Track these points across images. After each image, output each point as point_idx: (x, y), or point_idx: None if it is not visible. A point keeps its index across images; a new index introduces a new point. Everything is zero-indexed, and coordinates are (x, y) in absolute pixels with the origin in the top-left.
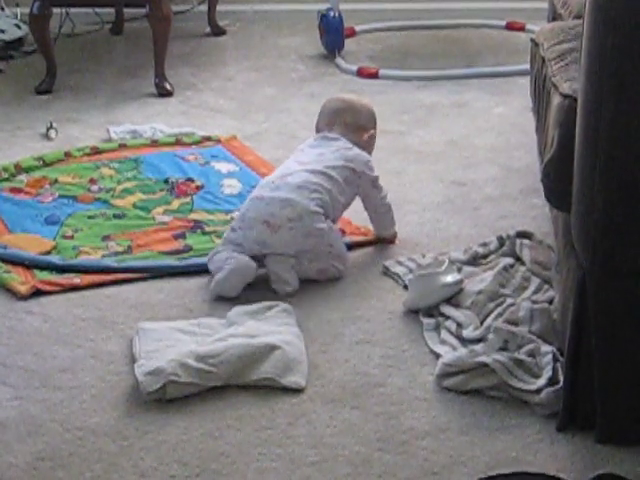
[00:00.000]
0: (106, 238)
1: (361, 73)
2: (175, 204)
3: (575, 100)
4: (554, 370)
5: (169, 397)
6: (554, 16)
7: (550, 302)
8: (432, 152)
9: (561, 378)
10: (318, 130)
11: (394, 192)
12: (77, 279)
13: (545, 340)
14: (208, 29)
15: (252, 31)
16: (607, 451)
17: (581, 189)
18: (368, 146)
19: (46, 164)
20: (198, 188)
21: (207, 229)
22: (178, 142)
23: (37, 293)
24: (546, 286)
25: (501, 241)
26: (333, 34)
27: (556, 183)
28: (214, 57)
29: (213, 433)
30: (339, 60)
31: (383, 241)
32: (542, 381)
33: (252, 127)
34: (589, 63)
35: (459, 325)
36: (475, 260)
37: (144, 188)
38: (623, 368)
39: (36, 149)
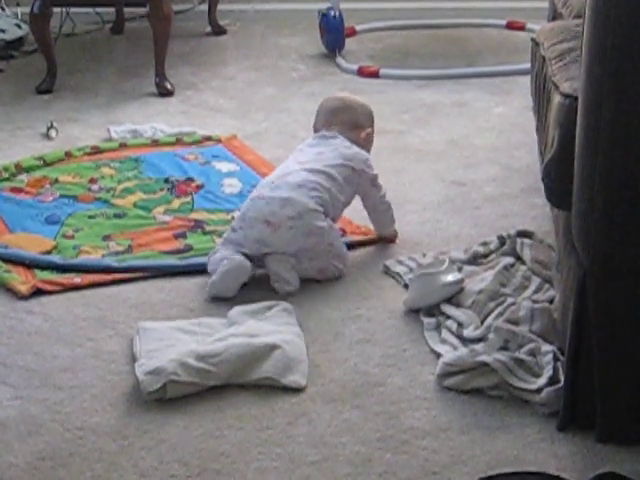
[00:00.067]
0: (107, 238)
1: (362, 72)
2: (176, 204)
3: (576, 100)
4: (555, 369)
5: (169, 396)
6: (554, 15)
7: (551, 301)
8: (432, 151)
9: (562, 377)
10: (316, 130)
11: (394, 191)
12: (78, 279)
13: (546, 339)
14: (209, 28)
15: (253, 30)
16: (607, 450)
17: (581, 189)
18: (366, 144)
19: (46, 164)
20: (198, 187)
21: (207, 228)
22: (178, 142)
23: (38, 293)
24: (547, 285)
25: (502, 240)
26: (334, 33)
27: (557, 182)
28: (214, 56)
29: (213, 433)
30: (339, 59)
31: (383, 240)
32: (543, 380)
33: (252, 127)
34: (589, 63)
35: (460, 324)
36: (476, 259)
37: (144, 188)
38: (623, 368)
39: (37, 149)
